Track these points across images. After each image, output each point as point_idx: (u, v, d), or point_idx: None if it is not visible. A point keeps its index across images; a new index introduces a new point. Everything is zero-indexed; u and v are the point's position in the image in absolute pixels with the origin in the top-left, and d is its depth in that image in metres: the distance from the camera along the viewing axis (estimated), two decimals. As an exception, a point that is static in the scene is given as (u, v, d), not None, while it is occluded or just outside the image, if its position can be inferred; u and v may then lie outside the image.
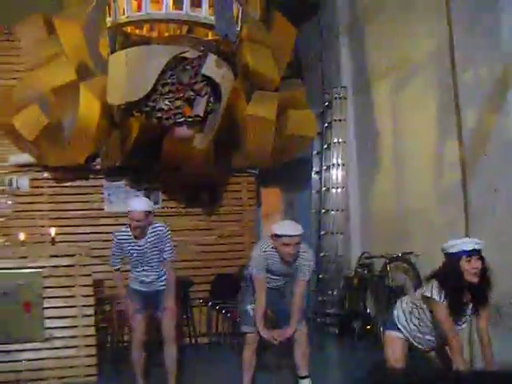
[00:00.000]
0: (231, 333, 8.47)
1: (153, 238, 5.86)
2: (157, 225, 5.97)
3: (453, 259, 4.31)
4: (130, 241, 5.88)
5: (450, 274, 4.32)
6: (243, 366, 5.79)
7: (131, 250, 5.88)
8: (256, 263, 5.52)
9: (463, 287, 4.30)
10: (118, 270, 6.09)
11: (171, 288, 6.02)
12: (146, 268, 5.92)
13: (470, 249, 4.25)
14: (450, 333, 4.29)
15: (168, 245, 5.97)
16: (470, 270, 4.22)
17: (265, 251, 5.49)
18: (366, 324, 8.34)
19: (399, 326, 4.59)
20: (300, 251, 5.47)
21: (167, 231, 5.98)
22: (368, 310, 8.27)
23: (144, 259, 5.88)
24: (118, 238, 5.95)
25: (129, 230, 5.90)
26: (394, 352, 4.50)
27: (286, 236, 5.32)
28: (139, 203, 5.89)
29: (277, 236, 5.36)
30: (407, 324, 4.59)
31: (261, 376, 6.34)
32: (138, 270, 5.95)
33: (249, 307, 5.71)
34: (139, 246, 5.86)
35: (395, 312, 4.67)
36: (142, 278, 5.96)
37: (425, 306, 4.47)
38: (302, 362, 5.75)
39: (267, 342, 5.69)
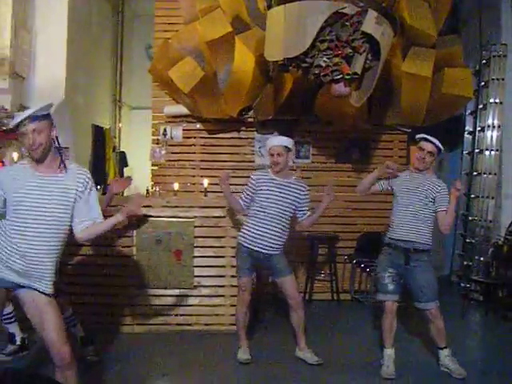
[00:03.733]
0: (373, 291, 8.44)
1: (292, 188, 5.87)
2: (300, 181, 6.06)
3: None
4: (268, 181, 5.88)
5: None
6: (383, 330, 5.76)
7: (267, 190, 5.83)
8: None
9: None
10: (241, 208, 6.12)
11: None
12: (270, 221, 5.78)
13: None
14: None
15: (306, 204, 5.97)
16: None
17: None
18: (512, 294, 8.07)
19: None
20: None
21: (307, 191, 5.98)
22: (516, 280, 7.98)
23: (274, 206, 5.78)
24: (256, 176, 5.99)
25: (268, 171, 6.00)
26: None
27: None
28: (279, 138, 6.00)
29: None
30: None
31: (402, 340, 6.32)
32: (260, 222, 5.82)
33: (383, 274, 5.64)
34: (277, 187, 5.83)
35: None
36: (259, 233, 5.81)
37: None
38: (438, 336, 5.68)
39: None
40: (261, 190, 5.87)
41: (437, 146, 5.70)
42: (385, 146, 9.25)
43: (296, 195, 5.87)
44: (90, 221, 4.02)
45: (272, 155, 5.84)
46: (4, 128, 8.45)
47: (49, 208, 3.84)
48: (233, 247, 6.90)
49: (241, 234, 5.99)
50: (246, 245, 5.90)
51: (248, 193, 5.99)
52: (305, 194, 5.93)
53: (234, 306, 6.92)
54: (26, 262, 3.82)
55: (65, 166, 3.96)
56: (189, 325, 7.00)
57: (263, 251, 5.82)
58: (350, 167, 9.14)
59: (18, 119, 3.85)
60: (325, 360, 5.92)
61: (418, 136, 5.80)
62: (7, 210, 3.87)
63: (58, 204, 3.88)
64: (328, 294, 8.76)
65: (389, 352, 5.68)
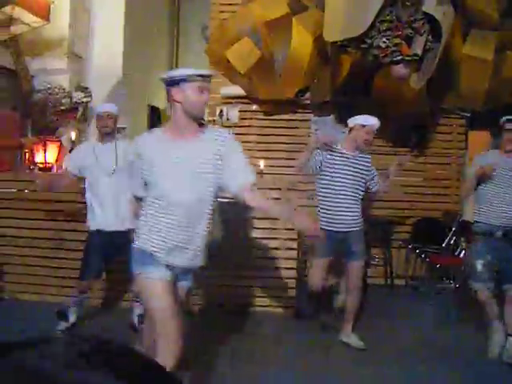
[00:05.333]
0: (428, 277, 8.35)
1: (362, 161, 5.74)
2: (363, 153, 5.85)
3: None
4: (341, 158, 5.67)
5: None
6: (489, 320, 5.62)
7: (340, 168, 5.64)
8: None
9: None
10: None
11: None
12: (345, 198, 5.62)
13: None
14: None
15: (376, 174, 5.84)
16: None
17: None
18: None
19: None
20: None
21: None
22: None
23: (349, 183, 5.62)
24: (331, 152, 5.72)
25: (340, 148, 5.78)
26: None
27: None
28: (375, 119, 5.84)
29: None
30: None
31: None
32: (336, 201, 5.64)
33: (479, 261, 5.49)
34: (350, 163, 5.65)
35: None
36: (338, 213, 5.64)
37: None
38: None
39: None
40: (333, 167, 5.68)
41: None
42: (443, 131, 9.10)
43: (365, 168, 5.76)
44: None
45: (367, 133, 5.72)
46: (62, 108, 8.58)
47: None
48: (287, 229, 6.89)
49: (320, 218, 5.74)
50: (328, 228, 5.63)
51: (315, 161, 5.70)
52: (371, 165, 5.83)
53: (289, 288, 6.94)
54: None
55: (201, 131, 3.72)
56: (244, 306, 6.99)
57: (344, 230, 5.67)
58: (407, 151, 9.01)
59: (198, 72, 3.62)
60: (375, 345, 5.87)
61: (503, 119, 5.65)
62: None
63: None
64: (382, 278, 8.69)
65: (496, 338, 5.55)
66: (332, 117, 8.87)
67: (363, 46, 6.29)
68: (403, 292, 8.50)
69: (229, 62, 8.15)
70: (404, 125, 8.90)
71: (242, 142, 8.78)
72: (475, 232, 5.61)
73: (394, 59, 6.28)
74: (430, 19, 6.21)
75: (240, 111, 9.10)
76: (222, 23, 8.52)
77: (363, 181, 5.74)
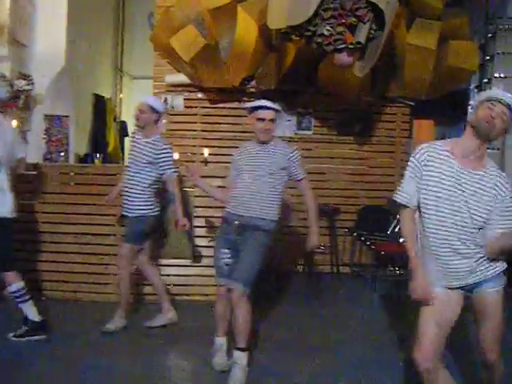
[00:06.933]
0: (373, 265, 8.41)
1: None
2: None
3: None
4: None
5: None
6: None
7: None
8: None
9: None
10: None
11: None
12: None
13: None
14: None
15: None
16: None
17: None
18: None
19: None
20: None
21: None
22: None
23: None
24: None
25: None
26: None
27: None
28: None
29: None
30: None
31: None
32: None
33: None
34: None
35: None
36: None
37: None
38: None
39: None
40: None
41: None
42: (387, 119, 9.19)
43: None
44: None
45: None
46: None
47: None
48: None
49: None
50: None
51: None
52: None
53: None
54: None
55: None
56: (188, 295, 6.97)
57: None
58: (351, 139, 9.07)
59: None
60: (321, 332, 5.91)
61: (251, 105, 5.17)
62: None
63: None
64: (327, 266, 8.70)
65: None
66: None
67: (307, 33, 6.26)
68: (348, 279, 8.56)
69: (173, 49, 8.06)
70: (348, 113, 8.96)
71: (187, 130, 8.84)
72: None
73: (338, 47, 6.25)
74: (374, 8, 6.20)
75: (185, 99, 9.02)
76: (168, 10, 8.41)
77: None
